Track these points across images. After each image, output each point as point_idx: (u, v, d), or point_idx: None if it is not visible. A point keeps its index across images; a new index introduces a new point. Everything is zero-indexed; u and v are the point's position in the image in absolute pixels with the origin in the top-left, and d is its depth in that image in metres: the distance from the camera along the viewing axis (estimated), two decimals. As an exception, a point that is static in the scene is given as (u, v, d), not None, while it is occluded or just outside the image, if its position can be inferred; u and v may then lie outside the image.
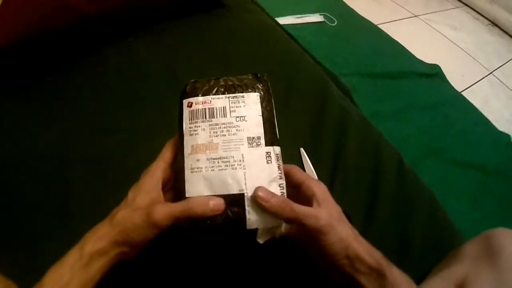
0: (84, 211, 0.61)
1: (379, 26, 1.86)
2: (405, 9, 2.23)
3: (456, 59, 1.91)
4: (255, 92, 0.47)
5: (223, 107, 0.46)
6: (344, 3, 1.97)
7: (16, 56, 0.78)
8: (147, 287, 0.55)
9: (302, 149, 0.77)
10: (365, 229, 0.66)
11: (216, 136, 0.45)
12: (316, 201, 0.46)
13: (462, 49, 1.98)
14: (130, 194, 0.46)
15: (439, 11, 2.32)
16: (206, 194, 0.43)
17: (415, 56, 1.67)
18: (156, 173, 0.46)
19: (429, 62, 1.67)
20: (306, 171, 0.73)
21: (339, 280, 0.47)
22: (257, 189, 0.42)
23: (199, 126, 0.46)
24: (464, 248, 0.54)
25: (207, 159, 0.44)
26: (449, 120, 1.37)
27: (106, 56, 0.90)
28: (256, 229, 0.45)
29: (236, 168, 0.43)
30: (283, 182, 0.45)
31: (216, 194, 0.43)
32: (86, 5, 0.81)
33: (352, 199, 0.71)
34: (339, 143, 0.80)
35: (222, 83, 0.48)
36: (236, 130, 0.45)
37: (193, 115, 0.46)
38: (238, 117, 0.46)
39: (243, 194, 0.42)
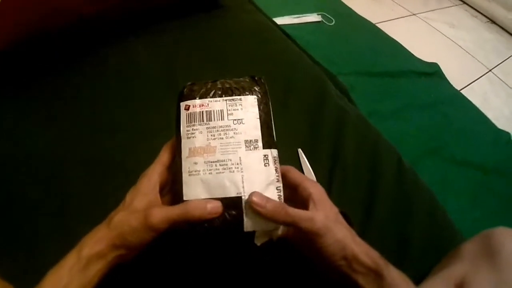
0: (84, 211, 0.61)
1: (377, 25, 1.86)
2: (403, 7, 2.23)
3: (455, 57, 1.91)
4: (252, 94, 0.47)
5: (221, 110, 0.46)
6: (342, 2, 1.97)
7: (16, 56, 0.78)
8: (146, 290, 0.56)
9: (300, 150, 0.77)
10: (364, 229, 0.66)
11: (214, 139, 0.45)
12: (313, 202, 0.46)
13: (460, 47, 1.98)
14: (128, 197, 0.46)
15: (437, 9, 2.32)
16: (203, 197, 0.43)
17: (413, 55, 1.67)
18: (154, 176, 0.46)
19: (428, 61, 1.66)
20: (304, 171, 0.73)
21: (337, 281, 0.47)
22: (252, 194, 0.42)
23: (197, 129, 0.46)
24: (463, 247, 0.54)
25: (205, 162, 0.44)
26: (449, 118, 1.36)
27: (106, 56, 0.90)
28: (254, 232, 0.45)
29: (233, 171, 0.43)
30: (281, 184, 0.45)
31: (214, 197, 0.43)
32: (85, 7, 0.81)
33: (351, 199, 0.71)
34: (337, 143, 0.80)
35: (219, 85, 0.48)
36: (234, 133, 0.45)
37: (191, 118, 0.46)
38: (235, 120, 0.46)
39: (240, 197, 0.42)
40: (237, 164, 0.43)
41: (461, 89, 1.64)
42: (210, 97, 0.47)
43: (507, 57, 1.98)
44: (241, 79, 0.49)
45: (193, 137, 0.45)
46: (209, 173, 0.43)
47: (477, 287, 0.47)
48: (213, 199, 0.42)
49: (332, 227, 0.44)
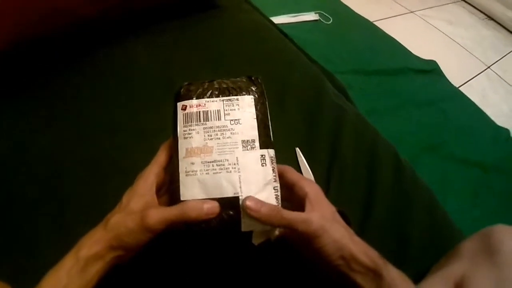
0: (84, 211, 0.61)
1: (374, 23, 1.86)
2: (400, 5, 2.23)
3: (453, 54, 1.91)
4: (249, 94, 0.47)
5: (218, 110, 0.46)
6: (339, 0, 1.96)
7: (16, 56, 0.78)
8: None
9: (297, 149, 0.76)
10: (363, 228, 0.66)
11: (211, 139, 0.45)
12: (309, 202, 0.46)
13: (459, 44, 1.98)
14: (124, 198, 0.46)
15: (435, 6, 2.32)
16: (201, 197, 0.43)
17: (411, 53, 1.67)
18: (150, 177, 0.46)
19: (426, 58, 1.66)
20: (302, 170, 0.73)
21: (336, 280, 0.47)
22: (246, 199, 0.42)
23: (194, 129, 0.46)
24: (463, 245, 0.54)
25: (202, 162, 0.44)
26: (447, 116, 1.35)
27: (106, 56, 0.90)
28: (251, 232, 0.45)
29: (230, 171, 0.43)
30: (278, 184, 0.45)
31: (211, 197, 0.43)
32: (85, 7, 0.81)
33: (349, 198, 0.71)
34: (335, 142, 0.79)
35: (216, 85, 0.48)
36: (231, 133, 0.45)
37: (188, 118, 0.46)
38: (232, 120, 0.46)
39: (238, 197, 0.42)
40: (234, 164, 0.43)
41: (460, 86, 1.64)
42: (207, 97, 0.47)
43: (505, 54, 1.98)
44: (238, 79, 0.49)
45: (190, 137, 0.45)
46: (206, 173, 0.43)
47: (476, 285, 0.47)
48: (210, 200, 0.42)
49: (329, 227, 0.44)
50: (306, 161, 0.75)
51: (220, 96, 0.47)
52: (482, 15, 2.30)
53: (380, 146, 0.81)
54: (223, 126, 0.45)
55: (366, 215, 0.69)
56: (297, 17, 1.67)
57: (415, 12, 2.19)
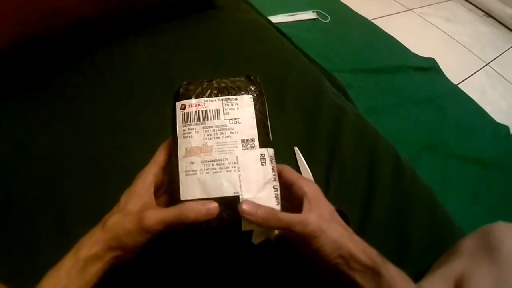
0: (84, 211, 0.61)
1: (373, 21, 1.86)
2: (399, 3, 2.23)
3: (452, 51, 1.91)
4: (248, 94, 0.47)
5: (217, 110, 0.46)
6: (337, -1, 1.97)
7: (16, 56, 0.78)
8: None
9: (296, 148, 0.77)
10: (363, 228, 0.66)
11: (210, 138, 0.45)
12: (307, 202, 0.46)
13: (457, 41, 1.98)
14: (123, 199, 0.46)
15: (433, 4, 2.31)
16: (200, 197, 0.43)
17: (410, 50, 1.67)
18: (148, 177, 0.46)
19: (425, 56, 1.66)
20: (301, 170, 0.73)
21: (335, 279, 0.47)
22: (242, 203, 0.41)
23: (193, 129, 0.46)
24: (462, 243, 0.54)
25: (202, 161, 0.44)
26: (446, 113, 1.36)
27: (106, 56, 0.90)
28: (251, 231, 0.45)
29: (230, 171, 0.43)
30: (277, 183, 0.45)
31: (211, 197, 0.43)
32: (85, 7, 0.81)
33: (349, 197, 0.71)
34: (334, 141, 0.80)
35: (215, 85, 0.48)
36: (230, 132, 0.45)
37: (187, 118, 0.46)
38: (231, 119, 0.46)
39: (238, 196, 0.42)
40: (234, 163, 0.43)
41: (459, 84, 1.63)
42: (206, 97, 0.47)
43: (504, 51, 1.98)
44: (236, 78, 0.49)
45: (189, 137, 0.45)
46: (206, 173, 0.43)
47: (476, 283, 0.47)
48: (210, 200, 0.42)
49: (327, 227, 0.44)
50: (305, 160, 0.75)
51: (219, 95, 0.47)
52: (480, 12, 2.30)
53: (379, 145, 0.81)
54: (223, 126, 0.45)
55: (366, 214, 0.69)
56: (295, 16, 1.67)
57: (413, 10, 2.19)
